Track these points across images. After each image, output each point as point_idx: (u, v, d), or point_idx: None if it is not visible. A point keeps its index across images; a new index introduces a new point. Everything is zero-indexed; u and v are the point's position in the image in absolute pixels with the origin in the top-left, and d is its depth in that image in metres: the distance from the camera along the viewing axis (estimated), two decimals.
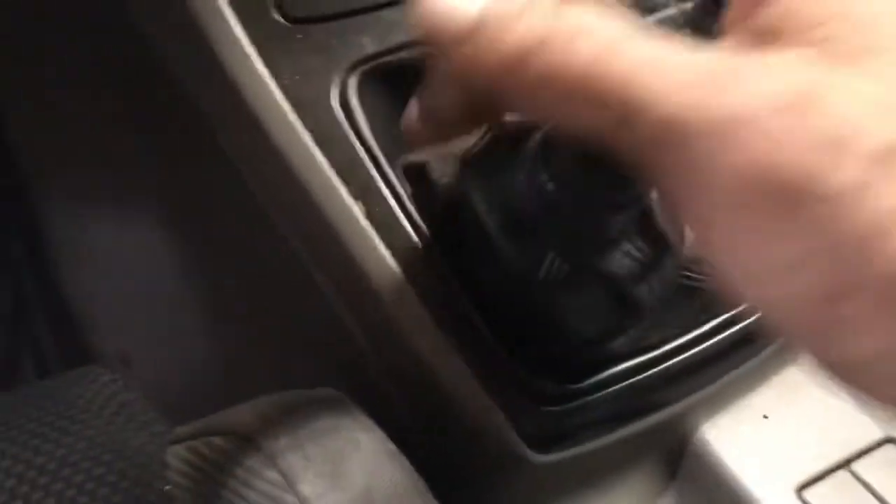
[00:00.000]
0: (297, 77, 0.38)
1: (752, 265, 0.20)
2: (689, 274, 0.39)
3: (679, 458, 0.39)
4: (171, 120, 0.47)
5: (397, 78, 0.39)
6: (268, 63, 0.37)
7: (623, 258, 0.31)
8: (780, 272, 0.19)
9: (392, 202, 0.37)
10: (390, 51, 0.39)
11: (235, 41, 0.37)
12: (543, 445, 0.36)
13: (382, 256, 0.36)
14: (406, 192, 0.37)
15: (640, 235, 0.32)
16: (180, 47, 0.40)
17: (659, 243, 0.32)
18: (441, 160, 0.38)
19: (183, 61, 0.41)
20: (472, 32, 0.22)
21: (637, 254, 0.32)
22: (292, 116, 0.37)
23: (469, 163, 0.33)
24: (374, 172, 0.37)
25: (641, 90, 0.19)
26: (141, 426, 0.33)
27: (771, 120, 0.18)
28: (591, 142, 0.22)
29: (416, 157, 0.39)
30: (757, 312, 0.36)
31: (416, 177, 0.39)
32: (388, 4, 0.39)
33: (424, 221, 0.37)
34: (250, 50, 0.37)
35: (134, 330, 0.64)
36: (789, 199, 0.18)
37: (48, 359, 0.64)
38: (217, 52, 0.38)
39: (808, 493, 0.38)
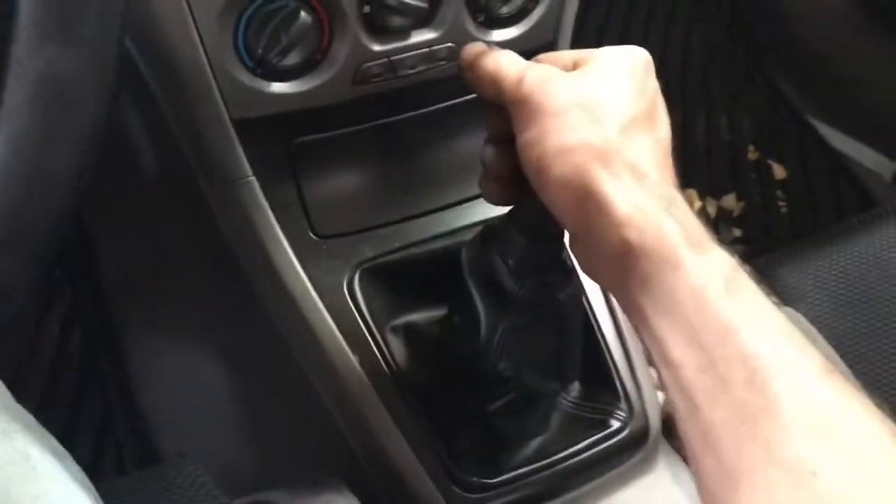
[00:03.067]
0: (321, 272, 0.58)
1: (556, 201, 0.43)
2: (578, 404, 0.59)
3: None
4: (233, 289, 0.68)
5: (387, 272, 0.60)
6: (302, 263, 0.58)
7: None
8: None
9: (378, 356, 0.57)
10: (383, 255, 0.60)
11: (284, 249, 0.58)
12: None
13: (368, 389, 0.56)
14: (388, 349, 0.57)
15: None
16: (247, 249, 0.61)
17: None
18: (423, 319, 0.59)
19: (248, 257, 0.61)
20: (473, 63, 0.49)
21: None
22: (316, 297, 0.58)
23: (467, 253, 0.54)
24: (367, 335, 0.57)
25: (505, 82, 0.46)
26: (213, 498, 0.52)
27: None
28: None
29: (400, 320, 0.59)
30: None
31: (406, 332, 0.59)
32: (382, 226, 0.60)
33: (402, 364, 0.57)
34: (292, 255, 0.58)
35: (190, 434, 0.84)
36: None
37: (125, 455, 0.84)
38: (271, 255, 0.59)
39: None
